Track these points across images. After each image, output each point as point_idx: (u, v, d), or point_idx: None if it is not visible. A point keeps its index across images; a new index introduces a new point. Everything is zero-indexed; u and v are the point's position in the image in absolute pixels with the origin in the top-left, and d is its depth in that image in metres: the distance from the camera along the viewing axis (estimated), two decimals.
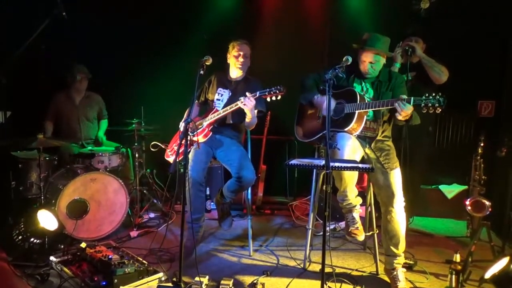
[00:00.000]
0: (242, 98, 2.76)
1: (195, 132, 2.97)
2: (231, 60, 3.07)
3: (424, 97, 2.23)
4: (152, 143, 3.24)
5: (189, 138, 2.44)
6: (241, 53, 3.03)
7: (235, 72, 3.09)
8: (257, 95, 2.75)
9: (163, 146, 3.16)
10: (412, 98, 2.26)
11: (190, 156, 2.94)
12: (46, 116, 3.92)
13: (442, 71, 3.15)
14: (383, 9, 4.08)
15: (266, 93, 2.73)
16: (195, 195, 2.86)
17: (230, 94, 3.06)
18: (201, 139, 2.98)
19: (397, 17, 3.86)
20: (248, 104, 2.74)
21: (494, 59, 3.89)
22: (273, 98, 2.74)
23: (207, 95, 3.17)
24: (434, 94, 2.21)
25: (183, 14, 4.50)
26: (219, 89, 3.11)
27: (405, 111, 2.28)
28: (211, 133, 3.00)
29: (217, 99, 3.09)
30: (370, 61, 2.53)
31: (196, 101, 3.21)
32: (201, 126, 3.00)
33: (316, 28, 4.43)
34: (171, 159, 3.10)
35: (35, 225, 2.80)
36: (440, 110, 2.21)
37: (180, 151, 2.45)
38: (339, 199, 2.54)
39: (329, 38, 4.40)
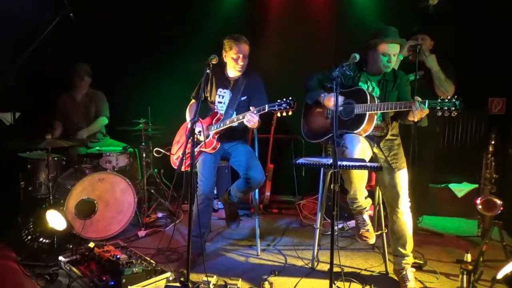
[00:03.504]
0: (246, 116, 2.65)
1: (201, 144, 2.84)
2: (228, 60, 2.89)
3: (439, 100, 2.18)
4: (155, 149, 3.22)
5: (195, 139, 2.40)
6: (240, 55, 2.83)
7: (234, 72, 2.95)
8: (266, 110, 2.57)
9: (166, 153, 3.13)
10: (426, 101, 2.20)
11: (199, 169, 2.84)
12: (54, 117, 3.96)
13: (448, 90, 3.14)
14: (391, 6, 4.04)
15: (276, 108, 2.51)
16: (203, 211, 2.76)
17: (231, 94, 2.96)
18: (209, 151, 2.89)
19: (405, 14, 3.82)
20: (251, 121, 2.63)
21: (504, 55, 3.82)
22: (283, 114, 2.53)
23: (206, 94, 3.03)
24: (449, 97, 2.16)
25: (190, 15, 4.50)
26: (219, 89, 2.99)
27: (420, 113, 2.23)
28: (219, 145, 2.89)
29: (219, 102, 2.99)
30: (394, 53, 2.48)
31: (194, 100, 3.11)
32: (207, 135, 2.87)
33: (323, 26, 4.40)
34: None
35: (44, 225, 2.82)
36: (456, 114, 2.16)
37: (186, 154, 2.42)
38: (349, 201, 2.52)
39: (336, 36, 4.37)
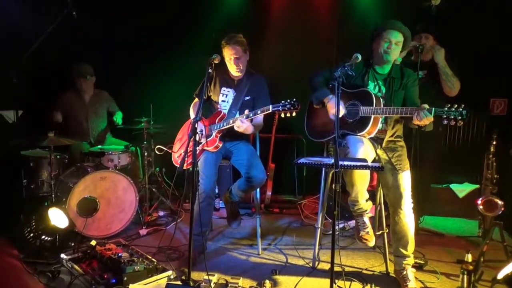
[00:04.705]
0: (237, 122, 2.67)
1: (204, 142, 2.85)
2: (226, 61, 2.88)
3: (446, 109, 2.17)
4: (157, 146, 3.23)
5: (197, 138, 2.40)
6: (233, 57, 2.80)
7: (234, 73, 2.94)
8: (270, 110, 2.58)
9: (168, 150, 3.14)
10: (433, 109, 2.20)
11: (200, 167, 2.84)
12: (55, 108, 3.95)
13: (455, 86, 3.14)
14: (393, 6, 4.04)
15: (280, 109, 2.52)
16: (205, 209, 2.77)
17: (235, 93, 2.96)
18: (212, 150, 2.90)
19: (407, 13, 3.81)
20: (242, 126, 2.65)
21: (506, 56, 3.82)
22: (287, 115, 2.53)
23: (209, 94, 3.04)
24: (456, 106, 2.15)
25: (192, 13, 4.51)
26: (223, 88, 2.99)
27: (424, 120, 2.23)
28: (221, 144, 2.90)
29: (222, 100, 2.99)
30: (396, 42, 2.46)
31: (197, 99, 3.09)
32: (210, 134, 2.89)
33: (326, 25, 4.39)
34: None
35: (46, 222, 2.83)
36: (462, 123, 2.14)
37: (188, 153, 2.43)
38: (350, 204, 2.53)
39: (338, 35, 4.37)
